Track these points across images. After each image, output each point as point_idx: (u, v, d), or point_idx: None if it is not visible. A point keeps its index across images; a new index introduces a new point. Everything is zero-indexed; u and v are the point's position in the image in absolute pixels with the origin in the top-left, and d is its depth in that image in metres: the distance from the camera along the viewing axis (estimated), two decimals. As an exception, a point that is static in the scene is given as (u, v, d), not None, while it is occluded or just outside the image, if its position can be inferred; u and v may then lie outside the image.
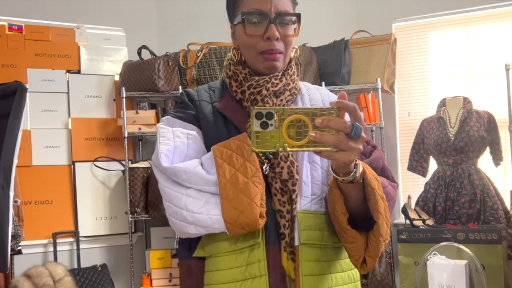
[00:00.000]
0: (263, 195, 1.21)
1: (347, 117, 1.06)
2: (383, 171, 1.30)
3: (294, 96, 1.35)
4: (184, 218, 1.21)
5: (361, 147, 1.04)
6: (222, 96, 1.36)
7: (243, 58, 1.35)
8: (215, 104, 1.34)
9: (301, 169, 1.28)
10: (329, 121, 1.00)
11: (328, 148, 1.02)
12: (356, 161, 1.12)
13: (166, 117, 1.36)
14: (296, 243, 1.23)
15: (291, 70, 1.36)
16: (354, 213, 1.21)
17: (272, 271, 1.23)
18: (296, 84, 1.37)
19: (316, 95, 1.39)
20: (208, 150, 1.28)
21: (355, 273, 1.37)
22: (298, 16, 1.30)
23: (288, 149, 1.02)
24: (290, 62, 1.36)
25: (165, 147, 1.26)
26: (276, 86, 1.31)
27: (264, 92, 1.29)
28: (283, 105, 1.32)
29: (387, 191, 1.23)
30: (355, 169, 1.10)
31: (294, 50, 1.37)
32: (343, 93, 1.06)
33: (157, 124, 1.36)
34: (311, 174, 1.28)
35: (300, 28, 1.32)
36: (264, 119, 1.02)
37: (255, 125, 1.02)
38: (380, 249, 1.20)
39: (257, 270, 1.23)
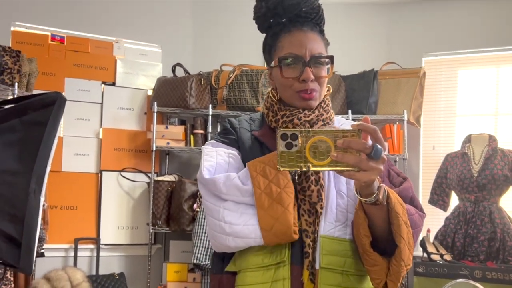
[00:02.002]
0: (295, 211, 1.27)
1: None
2: (412, 201, 1.34)
3: (327, 126, 1.40)
4: (222, 230, 1.28)
5: (381, 167, 1.09)
6: (261, 126, 1.45)
7: (280, 97, 1.43)
8: (254, 132, 1.43)
9: (327, 195, 1.33)
10: (350, 142, 1.05)
11: (349, 168, 1.07)
12: (380, 183, 1.17)
13: (211, 141, 1.47)
14: (317, 266, 1.27)
15: (324, 104, 1.43)
16: (378, 237, 1.25)
17: None
18: (330, 115, 1.43)
19: (346, 127, 1.44)
20: None
21: None
22: (331, 58, 1.38)
23: (312, 168, 1.08)
24: (324, 97, 1.43)
25: (208, 163, 1.36)
26: (308, 117, 1.37)
27: (295, 121, 1.36)
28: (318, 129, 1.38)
29: (413, 218, 1.26)
30: (377, 191, 1.14)
31: (327, 88, 1.45)
32: (367, 117, 1.11)
33: (203, 146, 1.46)
34: (337, 202, 1.32)
35: (332, 69, 1.39)
36: (289, 140, 1.08)
37: (281, 146, 1.09)
38: (401, 274, 1.22)
39: (281, 287, 1.28)
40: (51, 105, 1.77)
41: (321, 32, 1.41)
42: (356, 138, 1.07)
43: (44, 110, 1.75)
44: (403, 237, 1.20)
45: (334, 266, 1.29)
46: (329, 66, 1.39)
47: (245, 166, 1.38)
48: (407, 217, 1.23)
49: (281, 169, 1.09)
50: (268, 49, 1.44)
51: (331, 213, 1.32)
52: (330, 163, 1.08)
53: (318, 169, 1.08)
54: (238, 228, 1.27)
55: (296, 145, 1.08)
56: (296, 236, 1.25)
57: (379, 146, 1.07)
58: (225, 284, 1.39)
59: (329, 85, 1.46)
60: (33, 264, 1.69)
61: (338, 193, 1.34)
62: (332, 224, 1.31)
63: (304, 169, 1.08)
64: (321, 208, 1.30)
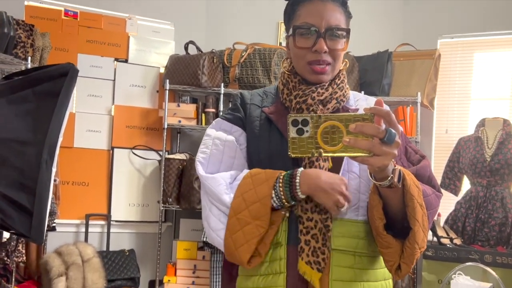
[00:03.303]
0: (268, 237, 1.27)
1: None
2: (429, 180, 1.33)
3: (342, 104, 1.38)
4: (206, 226, 1.33)
5: (395, 152, 1.06)
6: (274, 102, 1.43)
7: (294, 68, 1.40)
8: (264, 109, 1.41)
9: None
10: (363, 126, 1.03)
11: (362, 154, 1.05)
12: (394, 166, 1.15)
13: (217, 119, 1.47)
14: (330, 249, 1.27)
15: (339, 80, 1.39)
16: (392, 219, 1.24)
17: (290, 269, 1.28)
18: (344, 92, 1.40)
19: (363, 106, 1.41)
20: (250, 148, 1.39)
21: (389, 284, 1.39)
22: (348, 31, 1.34)
23: (324, 154, 1.06)
24: (339, 72, 1.40)
25: (202, 155, 1.39)
26: (322, 96, 1.35)
27: (309, 101, 1.33)
28: (330, 113, 1.34)
29: (429, 199, 1.25)
30: (392, 174, 1.13)
31: (344, 63, 1.41)
32: (380, 99, 1.10)
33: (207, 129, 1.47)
34: (348, 183, 1.29)
35: (348, 42, 1.36)
36: (300, 126, 1.07)
37: (292, 132, 1.08)
38: (415, 256, 1.22)
39: (278, 267, 1.30)
40: (64, 76, 1.77)
41: (344, 4, 1.36)
42: (369, 123, 1.04)
43: (57, 81, 1.75)
44: (417, 220, 1.19)
45: (345, 248, 1.29)
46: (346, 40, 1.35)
47: (249, 145, 1.39)
48: (423, 198, 1.21)
49: (293, 155, 1.08)
50: (287, 17, 1.41)
51: None
52: (343, 149, 1.05)
53: (330, 154, 1.06)
54: (213, 234, 1.30)
55: (307, 131, 1.07)
56: (255, 262, 1.28)
57: (392, 130, 1.04)
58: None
59: (346, 60, 1.42)
60: (44, 235, 1.70)
61: (349, 174, 1.32)
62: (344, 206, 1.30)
63: (316, 155, 1.07)
64: None
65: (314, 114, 1.07)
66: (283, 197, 1.26)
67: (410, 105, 3.72)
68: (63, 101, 1.74)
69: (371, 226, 1.27)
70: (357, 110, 1.39)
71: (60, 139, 1.77)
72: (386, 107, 1.41)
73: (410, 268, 1.24)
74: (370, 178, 1.17)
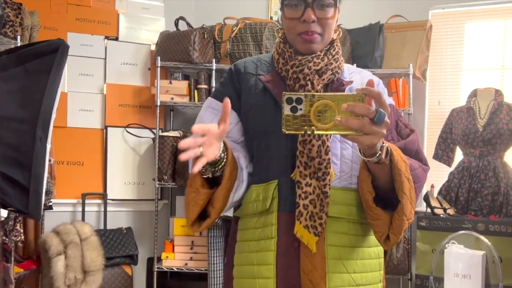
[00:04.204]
0: (215, 200, 1.32)
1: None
2: (417, 154, 1.37)
3: (336, 75, 1.41)
4: None
5: (384, 131, 1.11)
6: (269, 71, 1.45)
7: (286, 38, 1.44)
8: (261, 77, 1.43)
9: (331, 149, 1.35)
10: (354, 106, 1.07)
11: (353, 132, 1.10)
12: (383, 143, 1.20)
13: (208, 98, 1.51)
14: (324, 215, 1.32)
15: (334, 50, 1.42)
16: (381, 192, 1.29)
17: (281, 234, 1.35)
18: (339, 64, 1.43)
19: (357, 79, 1.45)
20: (246, 119, 1.43)
21: (381, 250, 1.45)
22: (335, 0, 1.36)
23: (316, 132, 1.11)
24: (332, 42, 1.42)
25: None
26: (318, 65, 1.37)
27: (306, 70, 1.36)
28: (324, 84, 1.39)
29: (415, 173, 1.30)
30: (380, 151, 1.18)
31: (338, 32, 1.43)
32: (371, 80, 1.13)
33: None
34: (341, 153, 1.37)
35: (337, 11, 1.38)
36: (294, 104, 1.10)
37: (286, 109, 1.11)
38: (403, 227, 1.28)
39: (269, 232, 1.37)
40: (54, 52, 1.77)
41: None
42: (360, 103, 1.08)
43: (48, 57, 1.75)
44: (405, 193, 1.24)
45: (340, 215, 1.34)
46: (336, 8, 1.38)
47: (244, 113, 1.44)
48: (410, 172, 1.26)
49: (286, 132, 1.12)
50: None
51: (335, 166, 1.36)
52: (334, 127, 1.10)
53: (322, 132, 1.11)
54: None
55: (301, 109, 1.10)
56: (194, 229, 1.34)
57: (382, 111, 1.09)
58: (234, 226, 1.52)
59: (339, 29, 1.44)
60: (42, 211, 1.71)
61: (342, 144, 1.37)
62: (337, 175, 1.36)
63: (308, 132, 1.11)
64: (319, 164, 1.33)
65: (308, 93, 1.10)
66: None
67: (403, 77, 3.72)
68: (54, 77, 1.74)
69: (361, 199, 1.32)
70: (351, 82, 1.42)
71: (54, 115, 1.78)
72: (378, 81, 1.45)
73: (398, 238, 1.29)
74: (360, 155, 1.21)
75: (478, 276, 2.98)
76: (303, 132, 1.11)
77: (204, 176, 1.30)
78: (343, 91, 1.39)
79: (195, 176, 1.30)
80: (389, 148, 1.21)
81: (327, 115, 1.09)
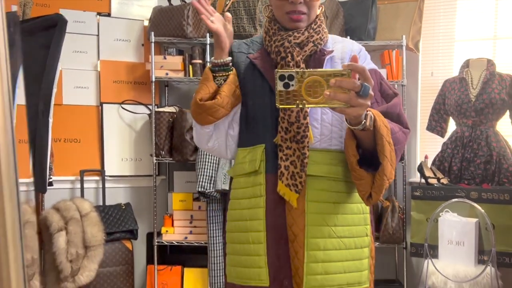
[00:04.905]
0: (224, 90, 1.52)
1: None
2: (398, 117, 1.49)
3: (319, 47, 1.54)
4: None
5: (369, 103, 1.24)
6: (259, 49, 1.61)
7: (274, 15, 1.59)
8: (249, 55, 1.58)
9: (312, 114, 1.49)
10: (341, 81, 1.20)
11: (340, 105, 1.22)
12: (367, 111, 1.31)
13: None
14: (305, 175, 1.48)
15: (315, 24, 1.55)
16: (365, 154, 1.43)
17: (269, 193, 1.50)
18: (321, 35, 1.55)
19: (338, 48, 1.58)
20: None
21: (365, 207, 1.57)
22: None
23: (307, 105, 1.23)
24: (316, 18, 1.56)
25: None
26: (298, 39, 1.51)
27: (286, 44, 1.50)
28: (308, 55, 1.53)
29: (396, 136, 1.42)
30: (365, 120, 1.31)
31: (321, 8, 1.57)
32: (355, 55, 1.26)
33: None
34: (321, 118, 1.51)
35: None
36: (286, 80, 1.22)
37: (279, 85, 1.22)
38: (384, 186, 1.41)
39: (258, 191, 1.52)
40: (52, 27, 1.77)
41: None
42: (347, 78, 1.20)
43: (46, 33, 1.76)
44: (386, 156, 1.37)
45: (320, 174, 1.49)
46: None
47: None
48: (391, 136, 1.39)
49: (280, 106, 1.24)
50: None
51: (316, 130, 1.50)
52: (324, 101, 1.22)
53: (312, 106, 1.23)
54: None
55: (293, 85, 1.22)
56: (201, 107, 1.51)
57: (367, 84, 1.21)
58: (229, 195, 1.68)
59: (322, 5, 1.58)
60: (47, 183, 1.74)
61: (322, 109, 1.51)
62: (317, 138, 1.50)
63: (300, 106, 1.23)
64: (298, 128, 1.46)
65: (299, 70, 1.21)
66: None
67: (396, 49, 3.74)
68: (54, 52, 1.76)
69: (347, 162, 1.45)
70: (332, 52, 1.55)
71: (55, 89, 1.79)
72: (360, 49, 1.60)
73: (380, 196, 1.43)
74: (346, 123, 1.35)
75: (471, 243, 3.05)
76: (295, 106, 1.23)
77: (214, 74, 1.53)
78: (324, 60, 1.52)
79: (207, 71, 1.52)
80: (372, 116, 1.33)
81: (317, 90, 1.21)
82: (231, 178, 1.66)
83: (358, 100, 1.21)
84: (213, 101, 1.49)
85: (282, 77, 1.22)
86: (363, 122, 1.30)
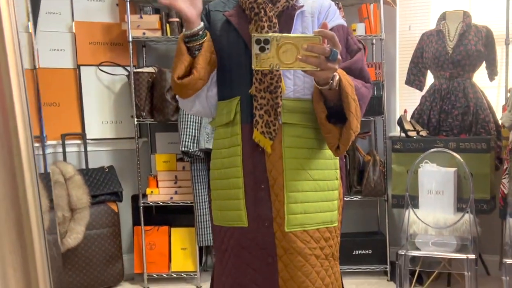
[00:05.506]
0: (197, 62, 1.58)
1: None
2: (360, 72, 1.62)
3: (291, 2, 1.62)
4: None
5: (337, 67, 1.36)
6: (235, 6, 1.68)
7: None
8: (225, 13, 1.66)
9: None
10: (313, 47, 1.30)
11: (311, 68, 1.33)
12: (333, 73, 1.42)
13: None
14: (280, 122, 1.59)
15: None
16: (332, 110, 1.54)
17: (245, 142, 1.61)
18: None
19: (309, 4, 1.67)
20: (214, 46, 1.64)
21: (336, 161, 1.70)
22: None
23: (281, 68, 1.33)
24: None
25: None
26: None
27: (259, 0, 1.59)
28: (280, 11, 1.62)
29: (360, 92, 1.55)
30: (332, 81, 1.43)
31: None
32: (325, 22, 1.35)
33: None
34: (294, 71, 1.59)
35: None
36: (262, 44, 1.31)
37: (255, 49, 1.31)
38: (350, 139, 1.53)
39: (235, 140, 1.63)
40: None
41: None
42: (318, 43, 1.30)
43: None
44: (351, 111, 1.49)
45: (293, 121, 1.60)
46: None
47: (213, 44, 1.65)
48: (355, 92, 1.51)
49: (256, 68, 1.33)
50: None
51: (289, 81, 1.60)
52: (296, 64, 1.32)
53: (286, 68, 1.34)
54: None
55: (268, 49, 1.31)
56: (180, 86, 1.60)
57: (336, 50, 1.32)
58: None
59: None
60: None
61: None
62: (291, 88, 1.60)
63: (275, 68, 1.33)
64: (271, 79, 1.56)
65: (274, 35, 1.30)
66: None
67: (373, 3, 3.73)
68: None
69: (317, 117, 1.56)
70: (302, 7, 1.64)
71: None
72: (329, 4, 1.69)
73: (346, 147, 1.56)
74: (315, 84, 1.46)
75: (450, 191, 3.14)
76: (270, 68, 1.32)
77: (188, 45, 1.58)
78: (294, 15, 1.61)
79: (180, 43, 1.57)
80: (338, 76, 1.44)
81: (290, 54, 1.31)
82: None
83: (328, 64, 1.32)
84: (189, 77, 1.57)
85: (258, 41, 1.30)
86: (330, 83, 1.42)
